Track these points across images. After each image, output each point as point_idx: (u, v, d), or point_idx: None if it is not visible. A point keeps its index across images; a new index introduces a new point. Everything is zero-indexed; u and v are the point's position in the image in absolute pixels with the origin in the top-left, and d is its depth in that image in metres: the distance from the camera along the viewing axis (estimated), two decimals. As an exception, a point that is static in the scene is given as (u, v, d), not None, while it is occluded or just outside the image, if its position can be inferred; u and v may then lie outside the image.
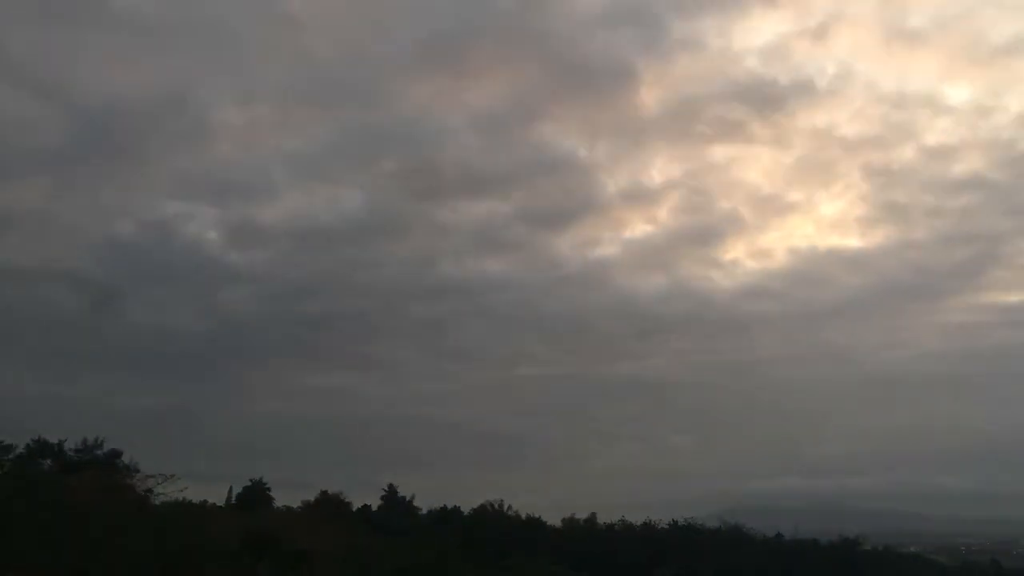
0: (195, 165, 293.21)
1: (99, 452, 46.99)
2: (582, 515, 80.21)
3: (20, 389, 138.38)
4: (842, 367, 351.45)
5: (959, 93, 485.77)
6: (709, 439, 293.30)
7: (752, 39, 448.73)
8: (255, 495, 60.67)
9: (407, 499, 71.95)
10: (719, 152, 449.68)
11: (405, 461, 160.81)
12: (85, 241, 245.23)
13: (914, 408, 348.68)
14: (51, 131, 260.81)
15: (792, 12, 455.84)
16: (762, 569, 69.27)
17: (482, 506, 73.22)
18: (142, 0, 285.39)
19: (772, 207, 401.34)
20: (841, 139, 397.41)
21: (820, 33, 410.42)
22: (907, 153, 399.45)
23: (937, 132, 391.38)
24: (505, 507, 73.20)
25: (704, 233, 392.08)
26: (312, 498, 63.01)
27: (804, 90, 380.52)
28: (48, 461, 45.39)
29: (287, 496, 63.89)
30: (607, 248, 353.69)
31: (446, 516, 72.67)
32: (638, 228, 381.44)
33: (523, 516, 73.61)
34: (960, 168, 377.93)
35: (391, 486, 72.09)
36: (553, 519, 78.09)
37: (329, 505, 61.03)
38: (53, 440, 47.06)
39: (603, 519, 79.93)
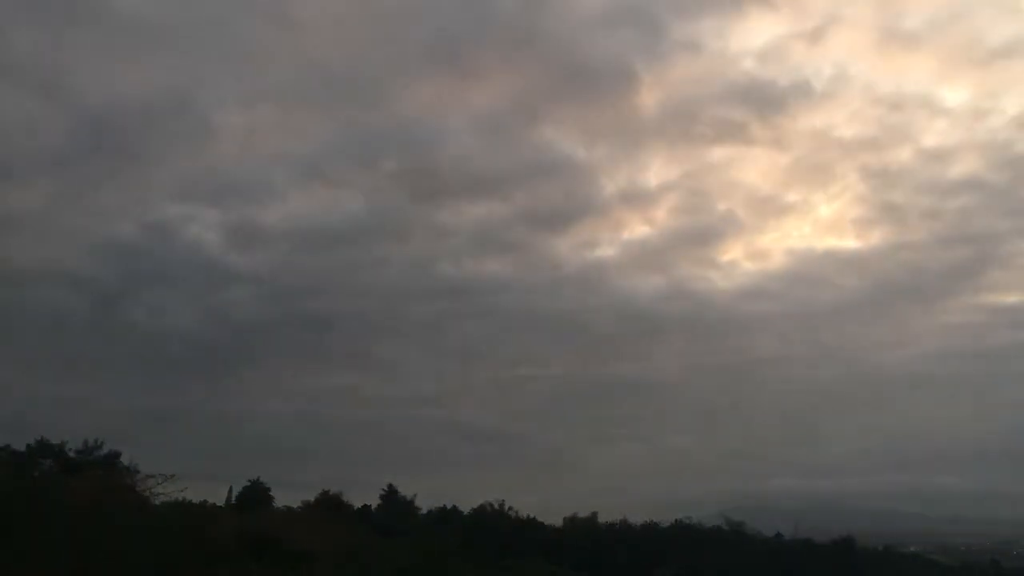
0: (196, 166, 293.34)
1: (99, 453, 47.01)
2: (582, 515, 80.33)
3: (21, 390, 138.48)
4: (841, 367, 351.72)
5: (956, 95, 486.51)
6: (709, 439, 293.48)
7: (750, 41, 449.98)
8: (255, 495, 60.65)
9: (407, 499, 71.97)
10: (717, 153, 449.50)
11: (405, 461, 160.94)
12: (86, 242, 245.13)
13: (914, 408, 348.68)
14: (52, 132, 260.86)
15: (789, 14, 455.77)
16: (762, 569, 69.32)
17: (482, 506, 73.27)
18: (146, 2, 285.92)
19: (770, 208, 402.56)
20: (839, 141, 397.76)
21: (817, 35, 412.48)
22: (904, 154, 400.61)
23: (934, 134, 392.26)
24: (505, 507, 73.25)
25: (702, 234, 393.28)
26: (312, 498, 63.00)
27: (802, 92, 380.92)
28: (49, 461, 45.40)
29: (287, 496, 63.91)
30: (606, 249, 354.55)
31: (446, 516, 72.70)
32: (637, 229, 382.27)
33: (523, 516, 73.65)
34: (957, 169, 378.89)
35: (391, 486, 72.11)
36: (553, 519, 78.24)
37: (329, 505, 61.00)
38: (54, 441, 47.15)
39: (603, 519, 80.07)
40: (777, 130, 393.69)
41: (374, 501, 71.08)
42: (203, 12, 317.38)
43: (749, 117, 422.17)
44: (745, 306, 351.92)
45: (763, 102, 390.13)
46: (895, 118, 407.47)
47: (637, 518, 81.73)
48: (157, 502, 34.92)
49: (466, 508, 74.32)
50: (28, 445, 45.02)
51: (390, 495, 71.51)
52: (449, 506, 75.88)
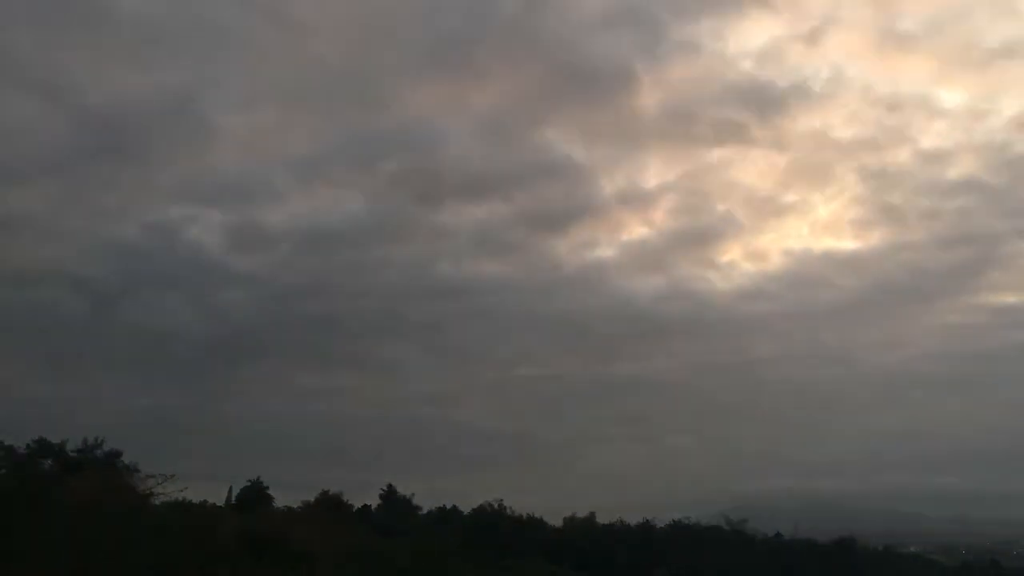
0: (199, 168, 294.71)
1: (99, 452, 47.00)
2: (582, 515, 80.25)
3: (23, 390, 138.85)
4: (840, 368, 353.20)
5: (954, 96, 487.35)
6: (709, 439, 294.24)
7: (749, 43, 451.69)
8: (255, 495, 60.64)
9: (407, 499, 71.95)
10: (716, 154, 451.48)
11: (405, 461, 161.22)
12: (88, 243, 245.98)
13: (913, 408, 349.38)
14: (55, 134, 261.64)
15: (788, 16, 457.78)
16: (762, 569, 69.30)
17: (482, 506, 73.19)
18: (147, 3, 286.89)
19: (768, 209, 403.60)
20: (837, 142, 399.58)
21: (815, 36, 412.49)
22: (903, 155, 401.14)
23: (932, 135, 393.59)
24: (505, 507, 73.17)
25: (701, 235, 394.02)
26: (312, 498, 62.95)
27: (800, 93, 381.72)
28: (49, 461, 45.39)
29: (287, 496, 63.87)
30: (605, 250, 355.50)
31: (446, 516, 72.69)
32: (636, 230, 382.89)
33: (523, 516, 73.56)
34: (956, 170, 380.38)
35: (391, 486, 72.09)
36: (553, 519, 78.13)
37: (329, 505, 60.97)
38: (54, 440, 47.11)
39: (602, 519, 80.00)
40: (776, 131, 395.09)
41: (374, 501, 71.12)
42: (205, 14, 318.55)
43: (748, 118, 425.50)
44: (744, 306, 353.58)
45: (762, 103, 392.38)
46: (893, 119, 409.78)
47: (636, 518, 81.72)
48: (157, 502, 34.90)
49: (466, 508, 74.33)
50: (28, 445, 44.98)
51: (390, 495, 71.49)
52: (449, 506, 75.91)
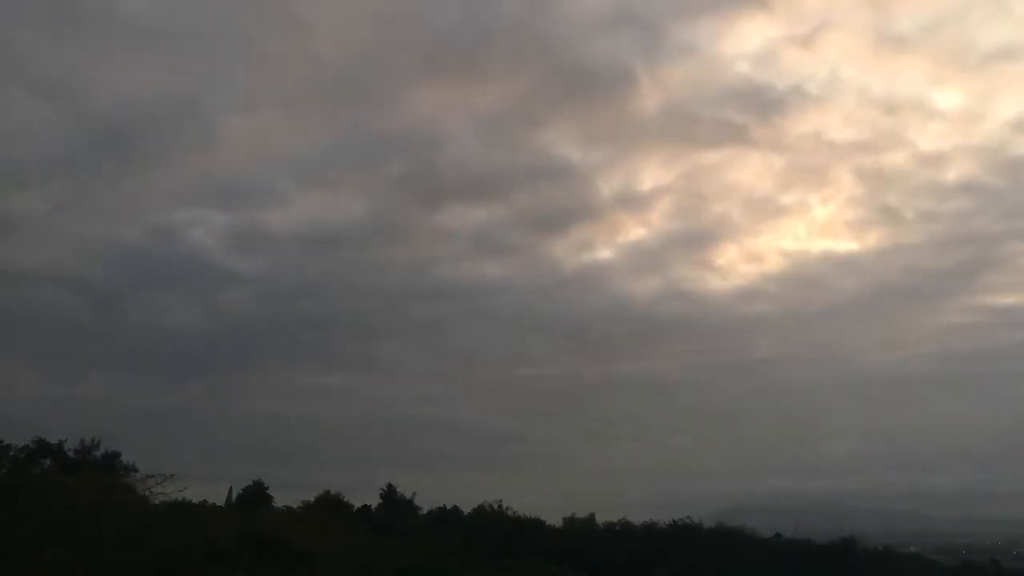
0: (201, 169, 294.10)
1: (98, 452, 46.96)
2: (581, 515, 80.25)
3: (25, 390, 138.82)
4: (839, 368, 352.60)
5: (950, 98, 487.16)
6: (709, 439, 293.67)
7: (746, 45, 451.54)
8: (255, 495, 60.63)
9: (407, 499, 71.92)
10: (713, 156, 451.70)
11: (405, 461, 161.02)
12: (91, 245, 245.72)
13: (913, 408, 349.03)
14: (59, 135, 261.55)
15: (785, 18, 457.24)
16: (762, 569, 69.30)
17: (482, 506, 73.18)
18: (151, 5, 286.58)
19: (766, 210, 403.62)
20: (834, 144, 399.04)
21: (812, 39, 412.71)
22: (899, 157, 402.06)
23: (929, 137, 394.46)
24: (505, 507, 73.17)
25: (699, 236, 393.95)
26: (312, 498, 62.94)
27: (797, 95, 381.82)
28: (47, 461, 45.33)
29: (287, 496, 63.86)
30: (604, 251, 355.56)
31: (446, 516, 72.68)
32: (634, 232, 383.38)
33: (523, 516, 73.57)
34: (953, 172, 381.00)
35: (391, 486, 72.09)
36: (553, 519, 78.15)
37: (329, 505, 60.95)
38: (52, 440, 47.05)
39: (602, 519, 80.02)
40: (773, 133, 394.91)
41: (374, 501, 71.10)
42: (210, 16, 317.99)
43: (745, 120, 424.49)
44: (743, 307, 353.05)
45: (759, 105, 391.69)
46: (889, 121, 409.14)
47: (637, 518, 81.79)
48: (157, 502, 34.82)
49: (466, 508, 74.35)
50: (27, 445, 44.93)
51: (390, 495, 71.47)
52: (449, 506, 75.90)
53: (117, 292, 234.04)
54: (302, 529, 41.42)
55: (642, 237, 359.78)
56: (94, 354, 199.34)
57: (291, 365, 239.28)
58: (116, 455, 46.78)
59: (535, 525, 73.38)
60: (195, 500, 45.39)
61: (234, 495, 62.35)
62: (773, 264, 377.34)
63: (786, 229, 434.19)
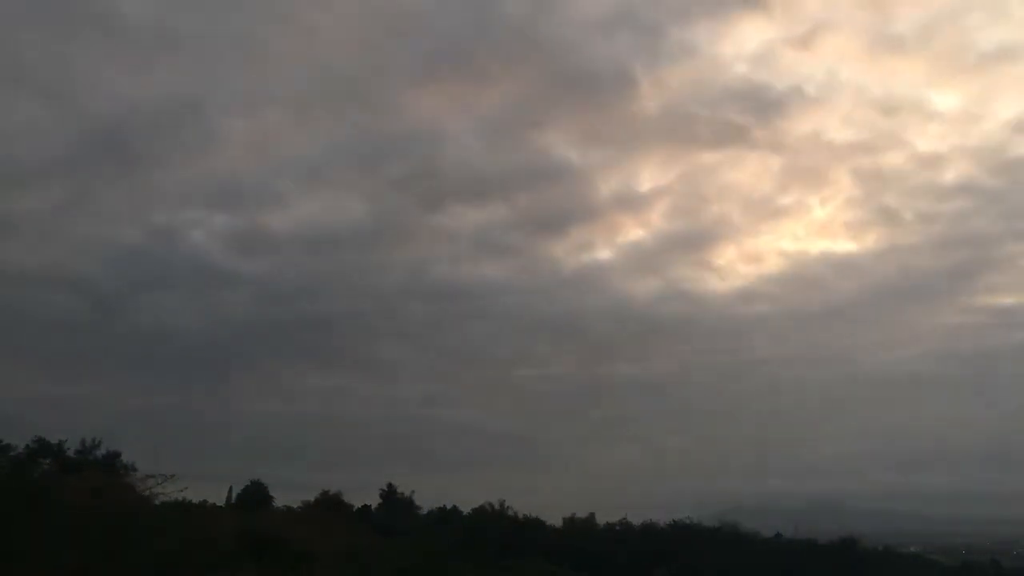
0: (202, 171, 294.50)
1: (98, 452, 46.97)
2: (581, 515, 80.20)
3: (26, 390, 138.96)
4: (839, 368, 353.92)
5: (947, 99, 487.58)
6: (708, 440, 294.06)
7: (745, 46, 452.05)
8: (255, 495, 60.62)
9: (407, 499, 71.91)
10: (712, 157, 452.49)
11: (405, 461, 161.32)
12: (92, 245, 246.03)
13: (912, 409, 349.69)
14: (60, 136, 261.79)
15: (783, 19, 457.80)
16: (762, 569, 69.25)
17: (482, 506, 73.17)
18: (153, 7, 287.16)
19: (765, 211, 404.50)
20: (833, 145, 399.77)
21: (810, 40, 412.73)
22: (898, 158, 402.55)
23: (927, 137, 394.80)
24: (505, 507, 73.15)
25: (698, 237, 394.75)
26: (312, 498, 62.93)
27: (796, 96, 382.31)
28: (48, 461, 45.35)
29: (287, 496, 63.87)
30: (603, 252, 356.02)
31: (446, 516, 72.67)
32: (633, 232, 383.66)
33: (523, 516, 73.55)
34: (951, 173, 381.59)
35: (391, 486, 72.06)
36: (553, 519, 78.11)
37: (329, 505, 60.94)
38: (53, 440, 47.07)
39: (603, 519, 79.96)
40: (772, 133, 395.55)
41: (374, 501, 71.06)
42: (212, 19, 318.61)
43: (744, 121, 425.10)
44: (742, 308, 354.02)
45: (758, 106, 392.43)
46: (888, 122, 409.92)
47: (637, 518, 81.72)
48: (157, 502, 34.83)
49: (466, 508, 74.30)
50: (27, 445, 44.95)
51: (390, 495, 71.45)
52: (449, 506, 75.88)
53: (118, 292, 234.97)
54: (302, 529, 41.47)
55: (641, 238, 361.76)
56: (95, 354, 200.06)
57: (291, 365, 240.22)
58: (116, 455, 46.82)
59: (535, 525, 73.36)
60: (195, 500, 45.44)
61: (234, 495, 62.34)
62: (772, 265, 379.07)
63: (785, 230, 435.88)
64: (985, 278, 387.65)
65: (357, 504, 67.91)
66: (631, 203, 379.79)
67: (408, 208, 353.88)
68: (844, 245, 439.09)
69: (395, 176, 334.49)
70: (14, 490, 28.87)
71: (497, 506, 72.98)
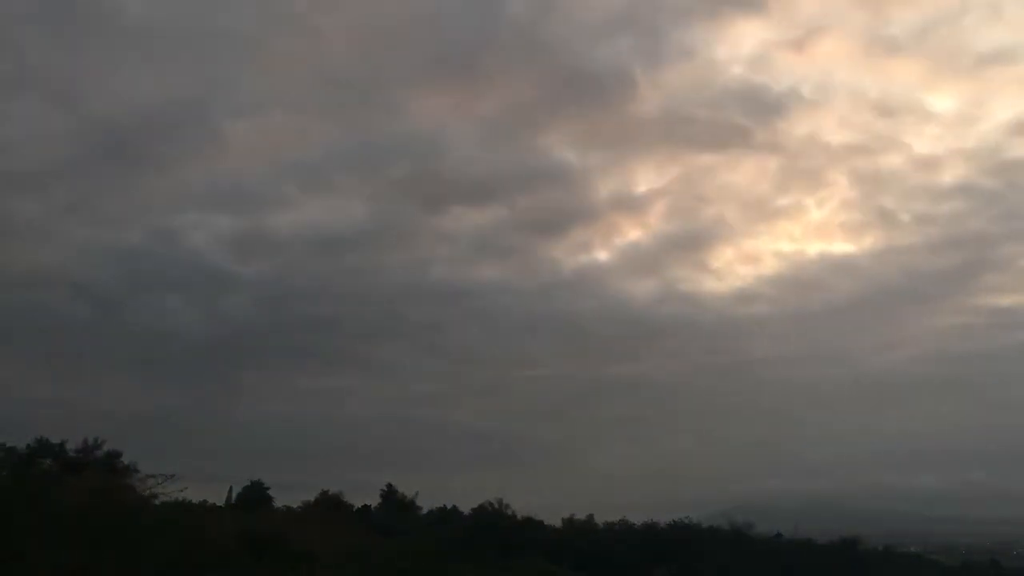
0: (205, 173, 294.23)
1: (99, 452, 46.94)
2: (582, 515, 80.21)
3: (27, 391, 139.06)
4: (838, 369, 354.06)
5: (944, 101, 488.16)
6: (708, 440, 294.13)
7: (742, 48, 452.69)
8: (255, 495, 60.62)
9: (407, 499, 71.88)
10: (710, 159, 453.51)
11: (405, 461, 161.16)
12: (94, 248, 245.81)
13: (912, 409, 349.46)
14: (63, 139, 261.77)
15: (779, 22, 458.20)
16: (762, 569, 69.24)
17: (482, 506, 73.13)
18: (155, 9, 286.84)
19: (762, 212, 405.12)
20: (830, 146, 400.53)
21: (807, 42, 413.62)
22: (894, 160, 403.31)
23: (923, 139, 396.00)
24: (505, 507, 73.11)
25: (695, 238, 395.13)
26: (312, 498, 62.97)
27: (793, 98, 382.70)
28: (48, 461, 45.37)
29: (287, 496, 63.88)
30: (601, 253, 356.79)
31: (446, 516, 72.64)
32: (631, 234, 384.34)
33: (523, 516, 73.52)
34: (948, 175, 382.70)
35: (391, 486, 72.01)
36: (553, 519, 78.06)
37: (329, 505, 60.98)
38: (54, 440, 47.08)
39: (602, 519, 79.92)
40: (769, 135, 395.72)
41: (374, 501, 71.03)
42: (214, 21, 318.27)
43: (741, 123, 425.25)
44: (741, 309, 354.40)
45: (755, 108, 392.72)
46: (884, 124, 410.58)
47: (637, 518, 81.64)
48: (157, 502, 34.88)
49: (466, 508, 74.24)
50: (28, 445, 44.97)
51: (390, 495, 71.42)
52: (449, 506, 75.84)
53: (120, 295, 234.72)
54: (302, 529, 41.55)
55: (639, 239, 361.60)
56: (97, 356, 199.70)
57: (292, 366, 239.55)
58: (117, 455, 46.75)
59: (535, 525, 73.31)
60: (195, 500, 45.53)
61: (234, 495, 62.33)
62: (769, 266, 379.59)
63: (782, 231, 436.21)
64: (983, 279, 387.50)
65: (357, 504, 67.93)
66: (629, 204, 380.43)
67: (409, 210, 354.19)
68: (841, 246, 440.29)
69: (396, 177, 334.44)
70: (14, 490, 28.94)
71: (497, 506, 72.96)
